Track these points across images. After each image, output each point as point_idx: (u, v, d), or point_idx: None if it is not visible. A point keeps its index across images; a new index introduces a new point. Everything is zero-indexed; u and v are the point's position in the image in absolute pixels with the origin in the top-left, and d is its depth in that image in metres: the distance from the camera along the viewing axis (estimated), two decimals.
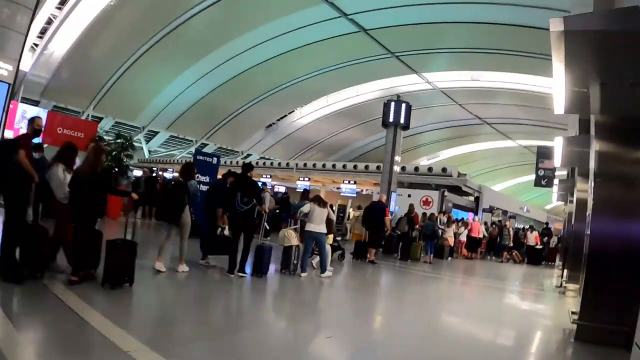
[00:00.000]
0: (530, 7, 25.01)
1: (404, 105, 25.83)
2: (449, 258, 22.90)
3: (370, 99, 41.71)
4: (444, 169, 30.27)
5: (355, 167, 33.69)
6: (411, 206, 21.27)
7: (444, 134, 50.43)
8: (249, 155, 50.06)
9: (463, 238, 24.07)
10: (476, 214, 32.51)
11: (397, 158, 25.92)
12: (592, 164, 8.94)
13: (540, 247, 27.34)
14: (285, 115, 47.59)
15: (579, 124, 18.96)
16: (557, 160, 13.62)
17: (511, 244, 26.60)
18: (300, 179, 35.35)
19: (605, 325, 7.98)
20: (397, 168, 26.16)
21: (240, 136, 48.33)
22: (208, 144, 48.39)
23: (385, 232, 18.55)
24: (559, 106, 8.02)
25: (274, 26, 32.27)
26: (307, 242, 12.34)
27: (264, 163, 41.63)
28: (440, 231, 21.67)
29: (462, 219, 27.04)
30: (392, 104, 25.92)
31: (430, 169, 30.90)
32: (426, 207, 27.14)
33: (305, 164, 36.33)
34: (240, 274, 10.66)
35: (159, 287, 9.18)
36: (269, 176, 37.38)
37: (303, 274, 12.03)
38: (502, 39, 29.81)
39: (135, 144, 43.87)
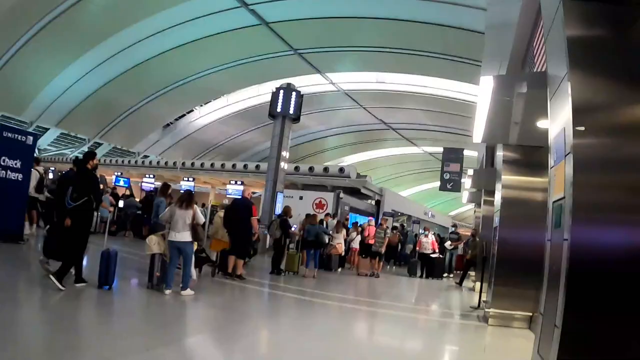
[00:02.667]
0: (441, 3, 21.09)
1: (294, 93, 21.18)
2: (340, 269, 17.70)
3: None
4: (341, 169, 25.57)
5: (245, 166, 28.57)
6: (287, 208, 15.77)
7: (348, 138, 45.73)
8: (146, 156, 43.54)
9: (355, 245, 18.63)
10: (377, 218, 27.71)
11: (285, 154, 20.94)
12: (564, 115, 4.34)
13: (437, 255, 20.33)
14: (184, 115, 41.73)
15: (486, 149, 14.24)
16: (477, 130, 8.42)
17: (383, 250, 18.67)
18: (185, 179, 29.84)
19: None
20: (285, 165, 21.13)
21: (136, 136, 42.02)
22: (102, 144, 41.87)
23: (252, 237, 12.95)
24: None
25: (171, 14, 26.78)
26: (172, 254, 9.34)
27: (150, 162, 35.77)
28: (327, 237, 16.58)
29: (356, 222, 21.89)
30: (281, 92, 21.17)
31: (326, 169, 26.05)
32: (319, 210, 22.38)
33: (193, 164, 30.96)
34: (78, 285, 8.31)
35: None
36: (152, 176, 31.66)
37: (167, 291, 9.06)
38: (408, 38, 25.77)
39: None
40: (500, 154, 10.14)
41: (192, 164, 30.92)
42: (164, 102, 37.23)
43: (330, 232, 17.21)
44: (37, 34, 27.80)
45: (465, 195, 22.44)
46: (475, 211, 22.77)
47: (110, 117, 38.38)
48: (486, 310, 9.86)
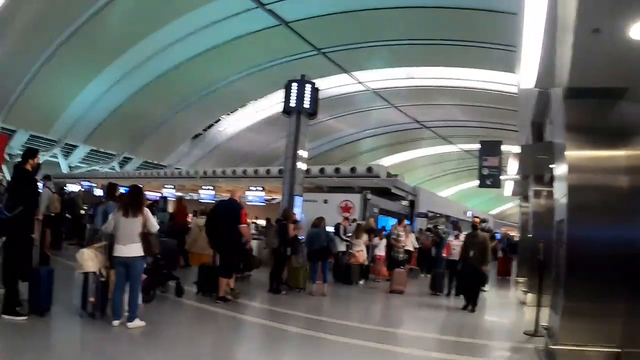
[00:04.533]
0: None
1: (308, 86, 17.99)
2: (362, 281, 14.25)
3: None
4: (369, 169, 22.26)
5: (267, 171, 25.30)
6: (287, 211, 12.46)
7: (382, 140, 42.11)
8: (177, 169, 40.92)
9: (380, 252, 15.06)
10: (410, 220, 24.24)
11: (302, 152, 17.82)
12: None
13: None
14: (212, 125, 38.88)
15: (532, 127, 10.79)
16: (526, 61, 4.96)
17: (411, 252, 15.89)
18: (205, 188, 26.91)
19: None
20: (303, 165, 18.00)
21: (166, 149, 39.41)
22: (132, 158, 39.62)
23: (243, 248, 9.72)
24: None
25: (187, 21, 24.32)
26: (117, 273, 7.00)
27: (165, 173, 33.05)
28: (345, 245, 13.27)
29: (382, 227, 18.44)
30: (294, 85, 17.99)
31: (353, 169, 22.70)
32: (346, 213, 19.14)
33: (214, 172, 27.88)
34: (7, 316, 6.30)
35: None
36: (172, 186, 28.97)
37: (116, 322, 6.74)
38: (436, 27, 22.81)
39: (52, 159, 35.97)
40: (560, 114, 6.62)
41: (214, 172, 27.98)
42: (190, 113, 34.74)
43: (347, 237, 14.00)
44: (57, 49, 25.70)
45: (508, 186, 18.56)
46: (521, 206, 18.87)
47: (137, 130, 36.01)
48: (551, 346, 6.32)
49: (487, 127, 33.87)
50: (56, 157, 36.61)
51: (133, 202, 7.12)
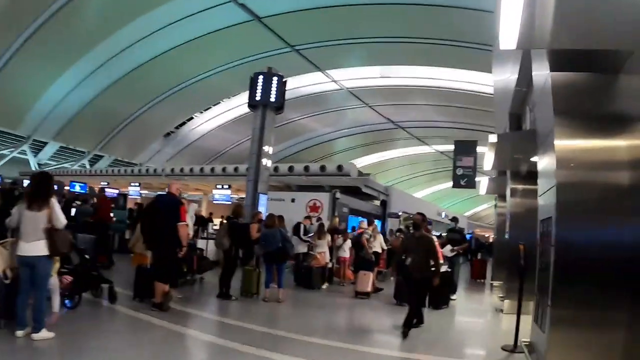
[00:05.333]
0: None
1: (275, 79, 16.87)
2: (325, 285, 12.88)
3: None
4: (339, 167, 21.21)
5: (236, 169, 24.18)
6: (237, 207, 10.94)
7: (357, 140, 41.06)
8: (145, 167, 39.43)
9: (344, 254, 13.65)
10: (383, 221, 23.07)
11: (267, 148, 16.57)
12: None
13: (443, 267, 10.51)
14: (184, 122, 37.42)
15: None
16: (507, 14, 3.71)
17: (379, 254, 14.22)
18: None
19: None
20: (267, 162, 16.75)
21: (137, 146, 37.86)
22: (103, 156, 37.94)
23: (179, 251, 8.27)
24: None
25: (159, 14, 23.19)
26: (21, 274, 5.75)
27: (132, 170, 31.67)
28: (306, 246, 11.99)
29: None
30: (260, 77, 16.83)
31: (323, 168, 21.59)
32: (314, 213, 17.87)
33: (182, 169, 26.54)
34: None
35: None
36: (137, 184, 27.43)
37: (19, 332, 5.54)
38: (412, 25, 22.17)
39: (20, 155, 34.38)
40: (546, 93, 5.36)
41: (181, 169, 26.60)
42: (162, 110, 33.23)
43: (308, 238, 12.75)
44: (25, 42, 24.31)
45: (483, 184, 17.30)
46: (496, 206, 17.69)
47: (108, 127, 34.48)
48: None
49: (462, 129, 33.13)
50: (25, 154, 34.98)
51: (37, 192, 5.88)
